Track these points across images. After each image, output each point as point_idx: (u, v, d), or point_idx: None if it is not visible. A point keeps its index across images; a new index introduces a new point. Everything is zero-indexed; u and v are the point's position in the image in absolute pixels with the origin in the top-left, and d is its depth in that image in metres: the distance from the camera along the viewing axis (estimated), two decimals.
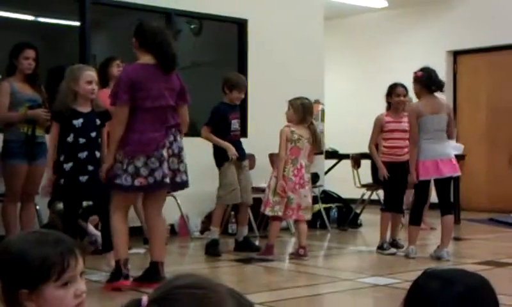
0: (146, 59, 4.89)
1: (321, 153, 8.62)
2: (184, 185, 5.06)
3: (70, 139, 5.22)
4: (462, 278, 1.43)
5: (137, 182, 4.74)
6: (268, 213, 6.36)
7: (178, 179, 4.94)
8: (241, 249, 6.69)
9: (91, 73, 5.32)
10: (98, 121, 5.29)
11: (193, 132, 8.90)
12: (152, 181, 4.75)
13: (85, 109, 5.28)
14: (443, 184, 6.27)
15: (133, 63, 4.99)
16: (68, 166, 5.20)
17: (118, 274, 4.86)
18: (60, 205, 6.56)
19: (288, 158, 6.29)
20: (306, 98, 6.50)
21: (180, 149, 4.93)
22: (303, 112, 6.35)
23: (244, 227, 6.83)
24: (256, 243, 7.01)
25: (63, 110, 5.25)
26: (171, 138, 4.87)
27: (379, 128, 6.87)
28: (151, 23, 5.06)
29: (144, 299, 1.13)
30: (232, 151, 6.49)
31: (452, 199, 6.70)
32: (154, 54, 4.87)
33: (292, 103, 6.40)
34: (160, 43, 4.87)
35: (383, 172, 6.73)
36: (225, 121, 6.60)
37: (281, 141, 6.30)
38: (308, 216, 6.46)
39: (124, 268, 4.86)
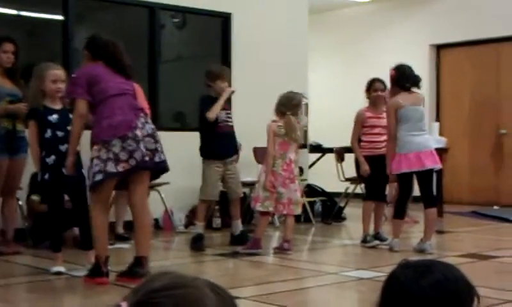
0: (98, 63, 4.99)
1: (304, 146, 8.62)
2: (163, 164, 4.99)
3: (47, 134, 5.19)
4: (438, 268, 1.43)
5: (120, 168, 4.74)
6: (259, 208, 6.31)
7: (157, 158, 4.91)
8: (238, 243, 6.59)
9: (56, 72, 5.29)
10: (71, 116, 5.23)
11: (177, 126, 8.91)
12: (134, 163, 4.75)
13: (57, 106, 5.28)
14: (425, 177, 6.29)
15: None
16: (51, 160, 5.16)
17: (97, 271, 4.85)
18: (35, 198, 6.46)
19: (277, 153, 6.27)
20: (291, 91, 6.47)
21: (153, 130, 4.95)
22: (278, 104, 6.33)
23: (238, 220, 6.81)
24: None
25: (37, 107, 5.25)
26: (142, 120, 4.89)
27: (361, 123, 6.89)
28: (103, 37, 5.12)
29: (124, 305, 1.11)
30: None
31: (435, 192, 6.71)
32: (107, 64, 4.97)
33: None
34: (113, 53, 4.99)
35: (365, 168, 6.75)
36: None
37: (269, 136, 6.26)
38: (298, 211, 6.46)
39: (104, 266, 4.85)
